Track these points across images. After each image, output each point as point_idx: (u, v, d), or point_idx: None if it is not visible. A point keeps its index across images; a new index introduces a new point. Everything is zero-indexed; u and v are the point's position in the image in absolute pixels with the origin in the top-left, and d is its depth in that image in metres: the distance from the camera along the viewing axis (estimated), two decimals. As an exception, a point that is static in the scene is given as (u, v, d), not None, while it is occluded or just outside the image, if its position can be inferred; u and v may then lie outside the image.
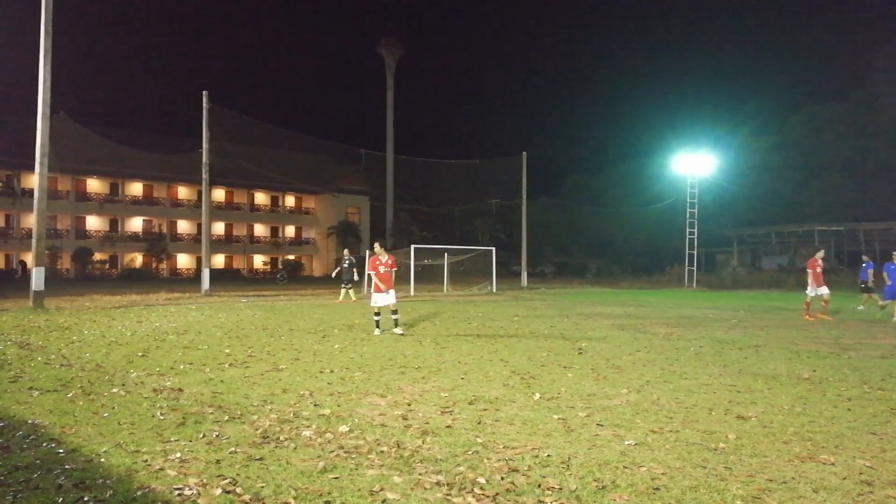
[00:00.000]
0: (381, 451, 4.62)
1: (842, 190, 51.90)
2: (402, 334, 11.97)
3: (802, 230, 50.16)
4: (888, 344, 11.37)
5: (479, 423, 5.51)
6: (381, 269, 12.45)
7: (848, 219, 49.07)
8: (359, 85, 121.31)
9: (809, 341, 11.66)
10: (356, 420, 5.53)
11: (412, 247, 30.53)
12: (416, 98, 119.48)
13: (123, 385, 6.99)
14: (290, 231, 71.20)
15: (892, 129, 49.93)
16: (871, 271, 20.20)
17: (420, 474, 4.15)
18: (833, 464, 4.44)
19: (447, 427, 5.35)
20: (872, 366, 8.85)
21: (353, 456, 4.51)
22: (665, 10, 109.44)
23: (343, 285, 22.82)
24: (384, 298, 12.35)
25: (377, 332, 12.16)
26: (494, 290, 32.22)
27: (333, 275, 23.70)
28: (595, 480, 4.06)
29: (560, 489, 3.91)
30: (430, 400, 6.41)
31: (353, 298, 22.37)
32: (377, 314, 12.47)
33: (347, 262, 22.90)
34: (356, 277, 23.39)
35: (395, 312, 12.49)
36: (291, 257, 68.14)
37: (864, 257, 21.50)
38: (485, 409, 6.00)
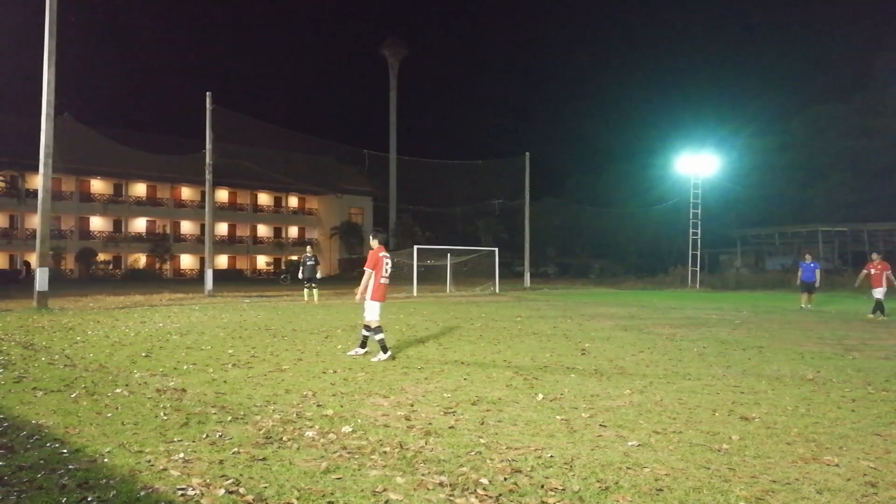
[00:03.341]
0: (384, 452, 4.62)
1: (846, 190, 51.77)
2: (352, 356, 9.33)
3: (806, 231, 50.04)
4: (892, 345, 11.34)
5: (482, 423, 5.51)
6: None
7: (852, 219, 48.94)
8: (362, 86, 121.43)
9: (813, 342, 11.64)
10: (359, 421, 5.53)
11: (415, 247, 30.54)
12: (419, 99, 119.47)
13: (127, 385, 7.00)
14: (293, 232, 71.30)
15: (891, 130, 49.81)
16: (819, 271, 20.87)
17: (423, 475, 4.15)
18: (837, 465, 4.43)
19: (450, 428, 5.35)
20: (877, 367, 8.83)
21: (356, 456, 4.51)
22: (669, 11, 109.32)
23: (307, 285, 22.69)
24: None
25: (383, 356, 9.03)
26: (497, 290, 32.20)
27: (300, 275, 23.54)
28: (598, 481, 4.06)
29: (563, 490, 3.91)
30: (433, 400, 6.41)
31: (316, 300, 22.13)
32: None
33: (313, 259, 22.85)
34: (319, 275, 23.39)
35: (366, 328, 9.41)
36: (294, 258, 68.25)
37: (808, 256, 21.66)
38: (488, 410, 6.00)
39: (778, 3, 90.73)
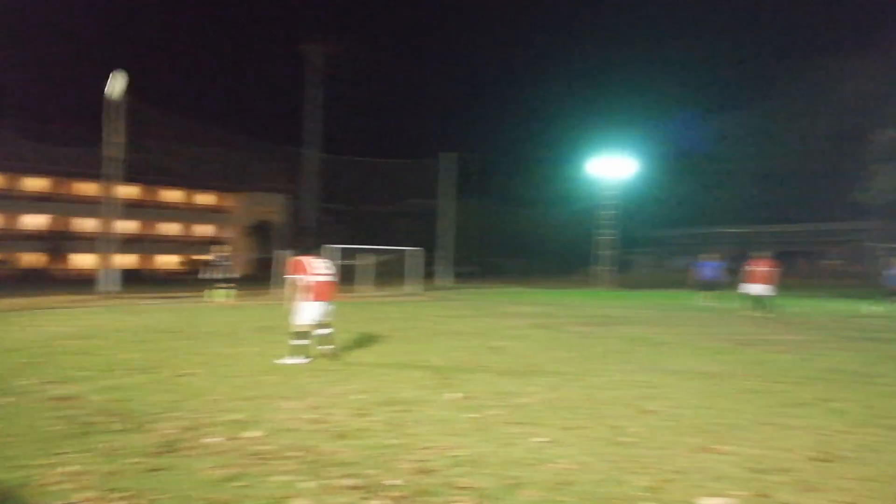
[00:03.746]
0: (293, 457, 4.53)
1: (746, 194, 54.92)
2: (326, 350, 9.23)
3: (710, 232, 52.71)
4: (782, 339, 12.07)
5: (395, 424, 5.48)
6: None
7: (752, 221, 51.95)
8: (285, 81, 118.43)
9: (712, 338, 12.23)
10: (268, 425, 5.39)
11: (334, 247, 30.13)
12: (343, 96, 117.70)
13: (15, 394, 6.55)
14: (206, 230, 68.98)
15: (791, 138, 53.22)
16: (715, 269, 21.83)
17: (332, 478, 4.10)
18: (729, 454, 4.67)
19: (362, 430, 5.30)
20: (769, 361, 9.39)
21: (263, 462, 4.40)
22: (589, 19, 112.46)
23: (220, 285, 22.26)
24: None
25: (296, 361, 8.76)
26: (417, 290, 32.22)
27: (212, 275, 23.02)
28: (506, 478, 4.12)
29: (472, 488, 3.94)
30: (345, 403, 6.33)
31: (228, 301, 21.70)
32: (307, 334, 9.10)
33: (225, 259, 22.57)
34: (231, 275, 23.08)
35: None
36: (207, 257, 66.03)
37: (709, 255, 22.71)
38: (400, 411, 5.98)
39: (687, 11, 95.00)
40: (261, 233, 65.27)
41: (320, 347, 9.12)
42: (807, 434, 5.25)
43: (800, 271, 44.22)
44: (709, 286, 21.65)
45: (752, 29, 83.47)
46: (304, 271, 9.02)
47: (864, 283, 37.74)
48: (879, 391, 7.11)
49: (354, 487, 3.94)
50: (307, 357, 8.84)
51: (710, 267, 21.96)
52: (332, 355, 9.07)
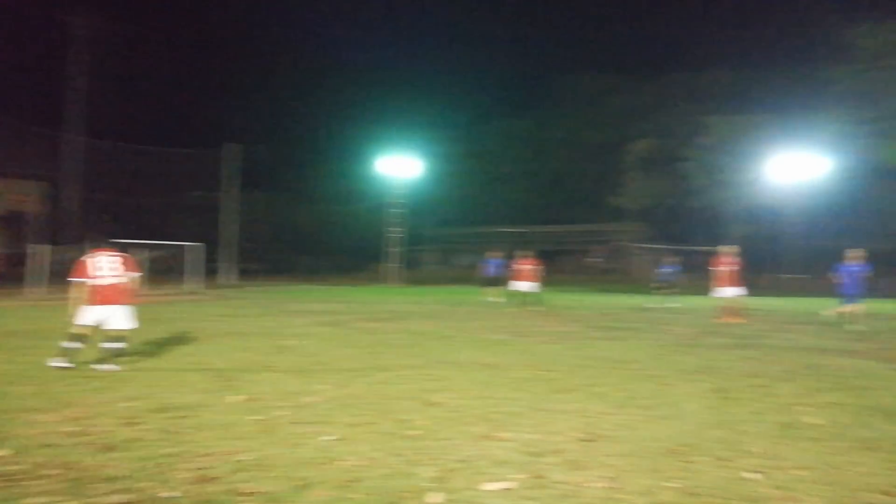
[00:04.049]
0: (51, 475, 4.03)
1: (524, 196, 59.43)
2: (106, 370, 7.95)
3: (492, 231, 56.18)
4: (553, 331, 13.20)
5: (171, 431, 5.09)
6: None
7: (529, 222, 56.35)
8: (44, 54, 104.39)
9: (493, 331, 13.01)
10: (17, 442, 4.74)
11: (104, 241, 27.31)
12: (113, 75, 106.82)
13: None
14: (-63, 220, 58.96)
15: (562, 145, 58.57)
16: (499, 266, 23.21)
17: (98, 496, 3.72)
18: (508, 440, 4.99)
19: (132, 440, 4.85)
20: (543, 351, 10.21)
21: (14, 484, 3.87)
22: (382, 18, 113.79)
23: None
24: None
25: (60, 363, 7.85)
26: (198, 289, 30.37)
27: None
28: (294, 479, 4.02)
29: (258, 493, 3.80)
30: (112, 411, 5.74)
31: None
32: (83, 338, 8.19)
33: None
34: None
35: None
36: (-61, 251, 56.42)
37: (493, 253, 24.29)
38: (177, 417, 5.57)
39: (474, 19, 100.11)
40: (12, 224, 57.26)
41: (97, 367, 7.94)
42: (575, 417, 5.77)
43: (566, 269, 48.79)
44: (493, 282, 22.95)
45: (531, 42, 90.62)
46: (84, 273, 8.24)
47: (622, 280, 42.73)
48: (634, 375, 8.03)
49: (126, 504, 3.60)
50: (71, 363, 7.90)
51: (494, 264, 23.29)
52: (110, 373, 7.76)
